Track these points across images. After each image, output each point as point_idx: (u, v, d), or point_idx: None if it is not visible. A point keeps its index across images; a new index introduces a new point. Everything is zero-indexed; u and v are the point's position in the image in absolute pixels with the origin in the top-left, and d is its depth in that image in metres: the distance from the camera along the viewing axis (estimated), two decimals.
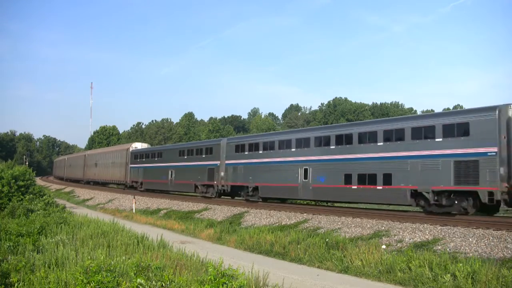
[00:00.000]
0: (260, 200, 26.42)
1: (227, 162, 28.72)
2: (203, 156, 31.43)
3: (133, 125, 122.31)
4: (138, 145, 46.89)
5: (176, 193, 37.68)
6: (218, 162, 29.54)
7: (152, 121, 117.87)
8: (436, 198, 17.09)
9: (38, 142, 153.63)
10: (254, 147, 27.08)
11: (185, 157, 33.95)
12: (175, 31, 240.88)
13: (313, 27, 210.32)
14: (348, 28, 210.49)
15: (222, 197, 30.67)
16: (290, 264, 13.13)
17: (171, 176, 35.20)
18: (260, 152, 26.37)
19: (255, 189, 26.38)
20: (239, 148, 28.12)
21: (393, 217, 17.10)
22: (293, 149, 24.01)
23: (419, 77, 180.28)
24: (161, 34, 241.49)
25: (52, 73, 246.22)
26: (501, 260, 11.15)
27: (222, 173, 28.73)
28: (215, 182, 29.50)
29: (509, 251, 11.73)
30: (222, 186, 28.85)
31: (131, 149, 45.48)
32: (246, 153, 27.44)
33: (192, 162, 32.70)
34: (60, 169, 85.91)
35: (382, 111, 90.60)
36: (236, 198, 30.19)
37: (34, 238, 12.11)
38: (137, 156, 43.10)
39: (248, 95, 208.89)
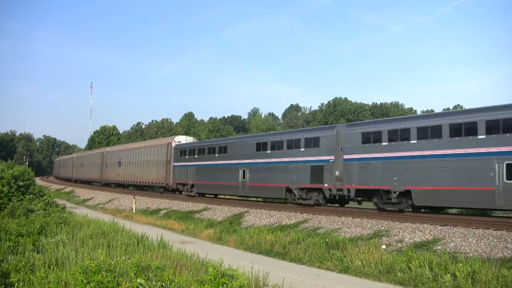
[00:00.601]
0: (410, 209, 18.92)
1: (348, 156, 20.68)
2: (302, 149, 23.07)
3: (133, 125, 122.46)
4: (182, 139, 38.04)
5: (253, 198, 31.12)
6: (330, 157, 21.46)
7: (152, 121, 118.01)
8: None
9: (38, 142, 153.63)
10: (401, 134, 18.93)
11: (269, 151, 25.41)
12: (175, 31, 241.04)
13: (313, 27, 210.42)
14: (348, 28, 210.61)
15: (335, 204, 23.68)
16: (290, 264, 13.13)
17: (244, 177, 26.87)
18: (413, 142, 18.20)
19: (403, 194, 18.63)
20: (370, 137, 20.12)
21: (393, 217, 17.10)
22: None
23: (419, 77, 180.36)
24: (161, 34, 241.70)
25: (52, 73, 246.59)
26: (501, 260, 11.15)
27: (338, 172, 20.98)
28: (326, 185, 21.43)
29: (509, 251, 11.73)
30: (339, 190, 20.86)
31: (174, 143, 36.85)
32: (384, 144, 19.41)
33: (281, 158, 24.32)
34: (66, 169, 76.89)
35: (382, 111, 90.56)
36: (361, 206, 23.33)
37: (34, 238, 12.10)
38: (185, 152, 34.36)
39: (248, 95, 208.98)
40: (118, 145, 74.88)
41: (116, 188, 47.28)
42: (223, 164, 29.46)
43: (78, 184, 60.20)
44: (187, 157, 34.00)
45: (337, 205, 23.74)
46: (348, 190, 20.55)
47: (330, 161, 21.55)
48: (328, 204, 23.24)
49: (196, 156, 32.88)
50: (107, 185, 51.28)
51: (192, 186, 33.12)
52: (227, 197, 31.82)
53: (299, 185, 23.07)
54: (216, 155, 30.47)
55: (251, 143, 27.47)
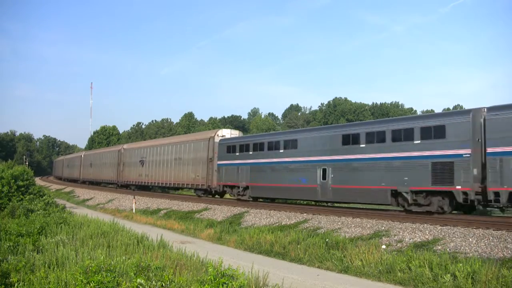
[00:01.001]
0: None
1: (496, 150, 15.73)
2: (417, 142, 18.08)
3: (133, 125, 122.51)
4: (226, 133, 32.00)
5: (284, 198, 27.47)
6: (463, 151, 16.62)
7: (152, 121, 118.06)
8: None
9: (38, 142, 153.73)
10: None
11: (363, 145, 20.26)
12: (175, 31, 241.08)
13: (313, 27, 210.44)
14: (348, 28, 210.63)
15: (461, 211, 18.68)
16: (290, 264, 13.13)
17: (324, 178, 21.81)
18: None
19: None
20: None
21: (393, 217, 17.10)
22: None
23: (419, 77, 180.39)
24: (161, 34, 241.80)
25: (52, 73, 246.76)
26: (501, 260, 11.15)
27: (476, 171, 16.33)
28: (458, 187, 16.53)
29: (509, 251, 11.73)
30: (478, 193, 16.21)
31: (217, 138, 30.93)
32: None
33: (382, 153, 19.34)
34: (71, 169, 71.30)
35: (382, 111, 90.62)
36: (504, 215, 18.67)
37: (34, 238, 12.10)
38: (234, 148, 28.57)
39: (248, 95, 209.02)
40: (138, 141, 68.88)
41: (137, 191, 42.42)
42: (293, 162, 23.95)
43: (79, 184, 59.92)
44: (237, 153, 28.11)
45: (462, 211, 18.74)
46: (496, 194, 15.46)
47: (464, 156, 16.64)
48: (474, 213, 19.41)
49: (250, 153, 27.12)
50: (125, 186, 46.27)
51: (246, 188, 27.38)
52: (228, 197, 31.78)
53: (413, 187, 18.02)
54: (281, 150, 24.90)
55: (334, 135, 22.10)
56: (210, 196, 31.82)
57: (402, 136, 18.87)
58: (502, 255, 11.62)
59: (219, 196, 31.91)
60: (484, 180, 16.08)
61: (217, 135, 31.72)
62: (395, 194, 18.90)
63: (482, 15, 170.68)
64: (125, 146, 50.52)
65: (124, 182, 45.96)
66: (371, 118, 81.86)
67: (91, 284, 6.74)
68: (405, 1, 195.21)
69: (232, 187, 28.57)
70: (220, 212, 23.54)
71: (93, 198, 38.63)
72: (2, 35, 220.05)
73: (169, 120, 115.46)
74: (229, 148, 28.96)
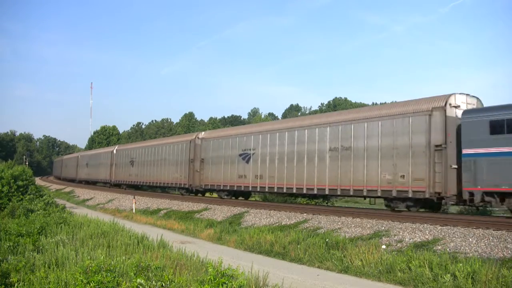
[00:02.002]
0: None
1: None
2: None
3: (133, 125, 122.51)
4: (461, 101, 17.65)
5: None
6: None
7: (152, 121, 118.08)
8: None
9: (38, 142, 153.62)
10: None
11: None
12: (175, 31, 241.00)
13: (313, 27, 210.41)
14: (348, 28, 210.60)
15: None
16: (290, 264, 13.13)
17: None
18: None
19: None
20: None
21: (393, 217, 17.09)
22: None
23: (419, 77, 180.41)
24: (161, 34, 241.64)
25: (52, 73, 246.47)
26: (501, 260, 11.15)
27: None
28: None
29: (509, 251, 11.73)
30: None
31: (454, 111, 17.05)
32: None
33: None
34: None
35: None
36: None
37: (34, 238, 12.10)
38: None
39: (248, 95, 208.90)
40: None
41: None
42: None
43: (79, 184, 59.87)
44: None
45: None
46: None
47: None
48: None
49: None
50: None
51: None
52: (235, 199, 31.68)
53: None
54: None
55: None
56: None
57: None
58: (502, 255, 11.62)
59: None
60: None
61: (449, 104, 17.24)
62: None
63: (482, 15, 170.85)
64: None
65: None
66: None
67: (91, 284, 6.74)
68: (405, 1, 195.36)
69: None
70: (220, 212, 23.54)
71: (93, 198, 38.62)
72: (2, 35, 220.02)
73: (169, 120, 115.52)
74: (496, 126, 15.32)
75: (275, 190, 24.35)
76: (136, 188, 44.09)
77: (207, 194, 33.95)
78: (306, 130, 22.68)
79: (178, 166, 33.87)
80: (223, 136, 29.62)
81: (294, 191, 22.87)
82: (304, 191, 22.32)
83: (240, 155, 26.92)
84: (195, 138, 32.31)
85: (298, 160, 22.67)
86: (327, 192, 21.16)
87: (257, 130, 26.75)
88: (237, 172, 27.07)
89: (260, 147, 25.36)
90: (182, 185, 33.07)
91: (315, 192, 21.68)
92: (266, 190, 25.13)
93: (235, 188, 27.40)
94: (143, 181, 40.62)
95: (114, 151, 49.29)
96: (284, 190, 23.70)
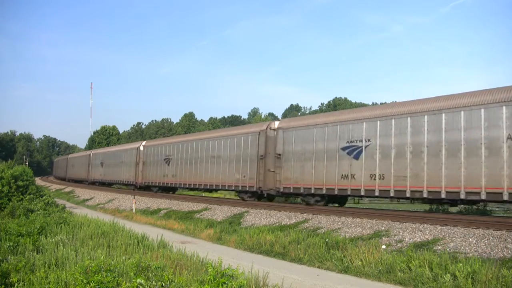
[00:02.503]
0: None
1: None
2: None
3: (133, 125, 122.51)
4: None
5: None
6: None
7: (152, 121, 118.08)
8: None
9: (38, 142, 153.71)
10: None
11: None
12: (175, 31, 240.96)
13: (313, 27, 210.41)
14: (347, 28, 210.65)
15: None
16: (290, 264, 13.13)
17: None
18: None
19: None
20: None
21: (393, 217, 17.09)
22: None
23: (419, 77, 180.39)
24: (161, 34, 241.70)
25: (52, 73, 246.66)
26: (501, 260, 11.15)
27: None
28: None
29: (509, 251, 11.73)
30: None
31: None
32: None
33: None
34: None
35: None
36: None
37: (34, 238, 12.09)
38: None
39: (248, 95, 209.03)
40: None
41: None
42: None
43: (79, 184, 59.74)
44: None
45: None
46: None
47: None
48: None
49: None
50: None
51: None
52: (227, 196, 31.67)
53: None
54: None
55: None
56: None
57: None
58: (502, 255, 11.62)
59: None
60: None
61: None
62: None
63: (482, 15, 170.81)
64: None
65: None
66: None
67: (91, 284, 6.74)
68: (405, 1, 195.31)
69: None
70: (220, 212, 23.54)
71: (93, 198, 38.61)
72: (2, 35, 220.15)
73: (169, 120, 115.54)
74: None
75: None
76: (174, 190, 38.23)
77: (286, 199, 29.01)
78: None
79: (239, 164, 27.40)
80: (313, 124, 22.96)
81: (443, 195, 17.03)
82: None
83: (344, 148, 20.91)
84: (267, 128, 25.80)
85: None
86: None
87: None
88: (339, 171, 21.02)
89: (378, 136, 19.39)
90: (247, 188, 26.67)
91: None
92: (391, 194, 18.73)
93: (336, 192, 21.11)
94: (184, 182, 33.58)
95: (141, 147, 41.94)
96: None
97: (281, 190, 24.17)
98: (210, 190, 31.95)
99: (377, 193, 19.23)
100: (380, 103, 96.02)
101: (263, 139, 25.60)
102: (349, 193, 20.60)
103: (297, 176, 23.12)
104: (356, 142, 20.23)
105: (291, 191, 23.68)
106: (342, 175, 20.64)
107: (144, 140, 47.81)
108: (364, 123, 19.99)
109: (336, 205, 23.77)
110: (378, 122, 19.41)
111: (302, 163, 22.86)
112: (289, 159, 23.74)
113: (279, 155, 24.30)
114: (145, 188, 39.44)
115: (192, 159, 32.46)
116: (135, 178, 41.20)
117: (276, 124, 25.81)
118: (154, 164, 37.60)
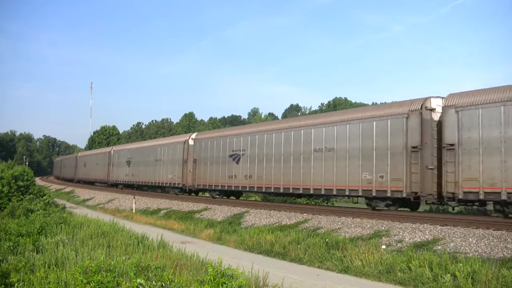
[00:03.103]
0: None
1: None
2: None
3: (133, 125, 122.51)
4: None
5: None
6: None
7: (152, 121, 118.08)
8: None
9: (38, 142, 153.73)
10: None
11: None
12: (175, 31, 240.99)
13: (313, 27, 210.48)
14: (347, 28, 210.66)
15: None
16: (290, 264, 13.13)
17: None
18: None
19: None
20: None
21: (393, 217, 17.09)
22: None
23: (419, 77, 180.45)
24: (161, 34, 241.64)
25: (52, 73, 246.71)
26: (501, 260, 11.15)
27: None
28: None
29: (509, 251, 11.73)
30: None
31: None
32: None
33: None
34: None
35: None
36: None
37: (34, 238, 12.10)
38: None
39: (248, 95, 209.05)
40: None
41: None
42: None
43: (79, 184, 59.87)
44: None
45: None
46: None
47: None
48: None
49: None
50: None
51: None
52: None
53: None
54: None
55: None
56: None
57: None
58: (502, 255, 11.62)
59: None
60: None
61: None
62: None
63: (482, 15, 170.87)
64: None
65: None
66: None
67: (91, 284, 6.74)
68: (405, 1, 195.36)
69: None
70: (220, 212, 23.53)
71: (93, 198, 38.61)
72: (2, 35, 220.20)
73: (169, 120, 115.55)
74: None
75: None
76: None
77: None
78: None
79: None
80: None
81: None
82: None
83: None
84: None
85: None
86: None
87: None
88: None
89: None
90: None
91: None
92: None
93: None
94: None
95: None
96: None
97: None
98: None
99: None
100: (380, 103, 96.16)
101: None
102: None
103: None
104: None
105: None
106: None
107: (194, 132, 40.85)
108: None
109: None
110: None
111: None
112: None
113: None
114: (196, 192, 34.39)
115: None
116: (181, 180, 34.32)
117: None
118: (213, 161, 30.05)
